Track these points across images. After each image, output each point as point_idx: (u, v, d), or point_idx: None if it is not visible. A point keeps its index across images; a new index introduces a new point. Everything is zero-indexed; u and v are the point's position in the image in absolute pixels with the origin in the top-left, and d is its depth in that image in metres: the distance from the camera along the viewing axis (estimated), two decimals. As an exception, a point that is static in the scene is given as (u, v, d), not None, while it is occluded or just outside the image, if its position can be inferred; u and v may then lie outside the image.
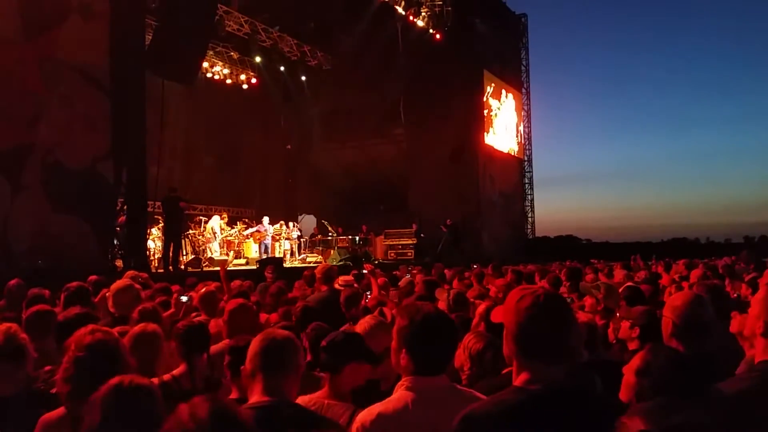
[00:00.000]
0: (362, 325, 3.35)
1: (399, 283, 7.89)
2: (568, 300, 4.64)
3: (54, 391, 2.52)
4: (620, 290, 4.95)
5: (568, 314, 1.91)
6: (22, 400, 2.68)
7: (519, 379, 1.85)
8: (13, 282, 6.16)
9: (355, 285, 7.10)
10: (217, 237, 17.04)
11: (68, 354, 2.47)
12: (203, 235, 16.77)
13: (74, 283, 5.03)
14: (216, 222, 17.15)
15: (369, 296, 6.06)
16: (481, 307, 3.92)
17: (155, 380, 3.19)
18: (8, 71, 10.68)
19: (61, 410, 2.44)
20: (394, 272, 9.90)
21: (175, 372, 3.29)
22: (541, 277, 8.17)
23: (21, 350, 2.87)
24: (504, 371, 2.82)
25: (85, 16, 11.76)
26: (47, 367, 3.06)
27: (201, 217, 17.69)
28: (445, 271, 9.49)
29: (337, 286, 6.35)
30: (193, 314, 5.07)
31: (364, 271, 8.13)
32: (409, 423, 2.16)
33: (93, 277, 6.50)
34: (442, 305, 5.03)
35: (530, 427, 1.75)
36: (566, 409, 1.72)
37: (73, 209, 11.27)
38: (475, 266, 13.05)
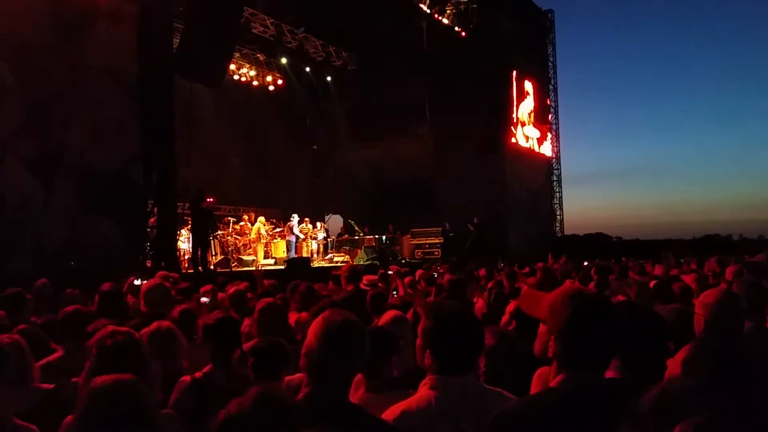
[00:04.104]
0: (384, 319, 3.46)
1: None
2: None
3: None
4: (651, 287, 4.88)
5: (618, 323, 1.89)
6: (34, 415, 2.70)
7: (556, 380, 1.84)
8: (39, 282, 6.25)
9: (380, 284, 7.12)
10: (261, 239, 17.23)
11: (90, 358, 2.49)
12: (231, 236, 16.93)
13: (107, 285, 5.09)
14: (260, 225, 17.37)
15: (395, 295, 6.06)
16: (512, 306, 3.89)
17: (187, 378, 3.22)
18: (40, 75, 10.89)
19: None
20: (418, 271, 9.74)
21: (206, 369, 3.30)
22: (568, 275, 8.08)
23: (23, 371, 2.89)
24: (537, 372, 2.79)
25: (114, 20, 11.96)
26: (74, 379, 3.06)
27: (230, 218, 17.86)
28: (481, 271, 9.35)
29: (361, 285, 6.38)
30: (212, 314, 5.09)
31: (390, 273, 8.13)
32: (433, 421, 2.17)
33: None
34: (481, 303, 5.01)
35: (563, 428, 1.72)
36: (600, 411, 1.69)
37: (105, 211, 11.46)
38: (501, 264, 13.00)
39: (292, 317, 5.21)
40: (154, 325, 3.46)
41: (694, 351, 2.10)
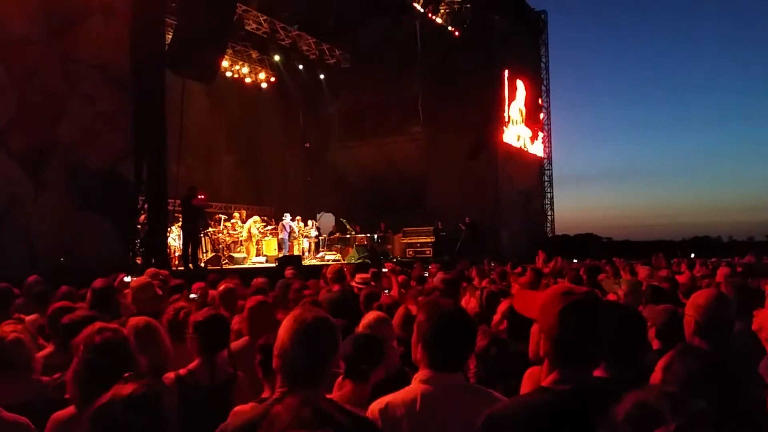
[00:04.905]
0: (367, 319, 3.44)
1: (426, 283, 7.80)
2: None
3: (67, 396, 2.52)
4: (643, 289, 4.90)
5: (608, 321, 1.90)
6: (34, 407, 2.69)
7: (547, 380, 1.85)
8: (30, 279, 6.21)
9: (372, 283, 7.12)
10: (253, 237, 17.18)
11: (77, 355, 2.48)
12: (222, 233, 16.88)
13: (99, 281, 5.06)
14: (252, 223, 17.32)
15: (387, 293, 6.06)
16: (503, 306, 3.89)
17: (171, 375, 3.21)
18: (31, 71, 10.82)
19: (71, 409, 2.45)
20: (411, 271, 9.79)
21: (190, 366, 3.29)
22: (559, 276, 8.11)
23: (25, 359, 2.89)
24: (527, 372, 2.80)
25: (107, 15, 11.89)
26: (56, 375, 3.05)
27: (221, 215, 17.81)
28: (473, 271, 9.33)
29: (353, 284, 6.37)
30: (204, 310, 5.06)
31: (384, 270, 8.13)
32: (417, 414, 2.21)
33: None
34: (473, 303, 5.02)
35: (555, 427, 1.73)
36: (593, 410, 1.70)
37: (95, 208, 11.40)
38: (492, 264, 13.00)
39: (281, 315, 5.19)
40: (133, 321, 3.43)
41: (673, 357, 2.12)
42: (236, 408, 2.68)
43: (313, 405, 1.51)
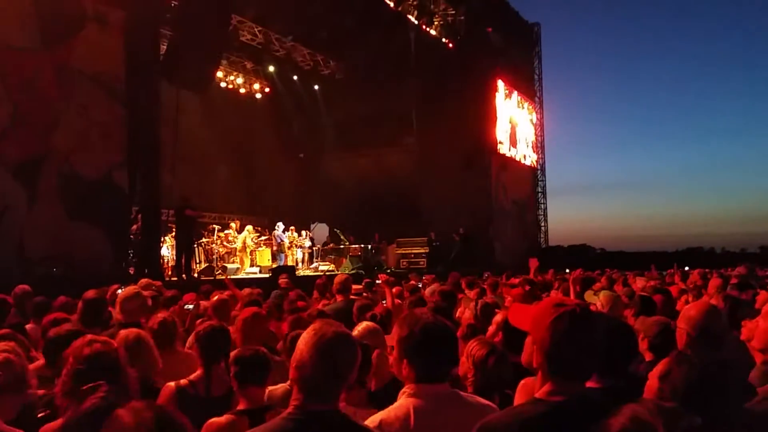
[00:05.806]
0: (357, 329, 3.47)
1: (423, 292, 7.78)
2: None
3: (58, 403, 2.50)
4: (634, 299, 4.90)
5: (599, 332, 1.91)
6: (23, 424, 2.67)
7: (541, 391, 1.85)
8: (18, 288, 6.16)
9: (365, 294, 7.10)
10: (247, 248, 17.12)
11: (67, 366, 2.46)
12: (216, 244, 16.82)
13: (91, 292, 5.03)
14: (247, 233, 17.27)
15: (383, 304, 6.05)
16: (499, 317, 3.88)
17: (171, 385, 3.20)
18: (26, 80, 10.82)
19: (60, 421, 2.42)
20: (404, 282, 9.80)
21: (192, 377, 3.29)
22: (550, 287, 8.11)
23: (16, 379, 2.87)
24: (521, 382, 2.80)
25: (101, 25, 11.91)
26: (41, 391, 3.02)
27: (214, 225, 17.75)
28: (461, 280, 9.36)
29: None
30: (198, 321, 5.04)
31: (378, 281, 8.11)
32: (412, 429, 2.19)
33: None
34: (468, 314, 5.01)
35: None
36: (586, 421, 1.70)
37: (88, 217, 11.37)
38: (486, 275, 13.03)
39: (273, 326, 5.17)
40: (123, 333, 3.43)
41: (670, 366, 2.13)
42: (210, 420, 2.67)
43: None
